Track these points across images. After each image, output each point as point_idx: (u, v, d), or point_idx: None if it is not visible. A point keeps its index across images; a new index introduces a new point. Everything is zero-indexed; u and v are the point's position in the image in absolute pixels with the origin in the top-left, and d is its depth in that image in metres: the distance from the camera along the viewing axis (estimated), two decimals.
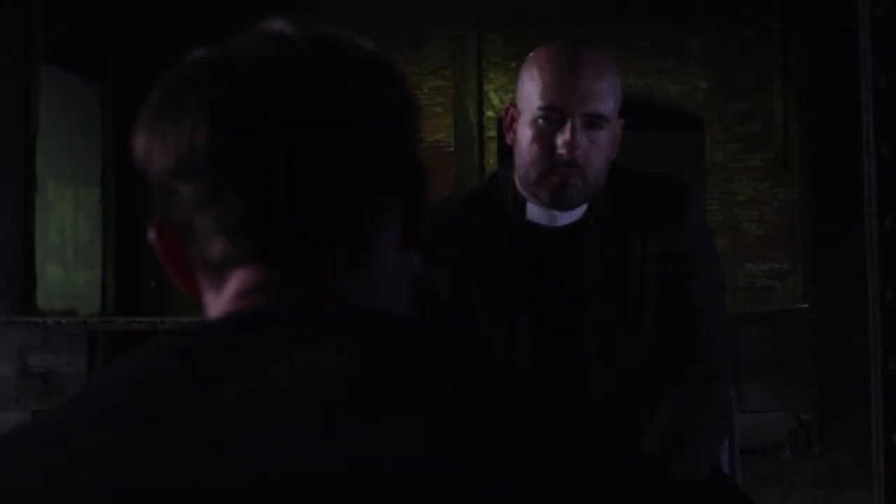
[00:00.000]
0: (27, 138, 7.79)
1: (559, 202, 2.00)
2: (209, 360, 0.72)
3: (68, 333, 6.91)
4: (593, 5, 12.25)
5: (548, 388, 0.74)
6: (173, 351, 0.74)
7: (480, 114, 12.57)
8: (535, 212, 2.04)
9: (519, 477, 0.66)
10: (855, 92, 3.13)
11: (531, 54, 2.04)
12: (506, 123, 2.06)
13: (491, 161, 12.42)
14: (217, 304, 0.83)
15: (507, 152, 2.17)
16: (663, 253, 2.02)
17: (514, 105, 2.04)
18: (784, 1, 11.36)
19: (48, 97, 9.86)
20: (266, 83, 0.81)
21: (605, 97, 1.96)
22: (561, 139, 1.95)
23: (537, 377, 2.01)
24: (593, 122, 1.95)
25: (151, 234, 0.85)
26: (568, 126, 1.94)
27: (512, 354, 2.02)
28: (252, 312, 0.77)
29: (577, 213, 2.03)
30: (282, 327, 0.74)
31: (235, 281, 0.81)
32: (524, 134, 1.99)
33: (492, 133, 12.48)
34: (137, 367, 0.74)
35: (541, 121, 1.97)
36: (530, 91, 1.98)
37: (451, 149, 12.36)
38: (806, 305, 6.54)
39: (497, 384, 0.72)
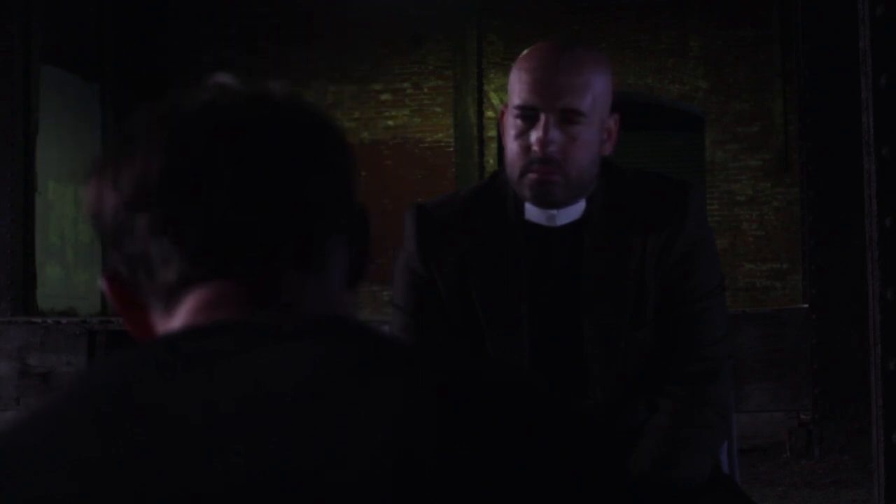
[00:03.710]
0: (27, 138, 7.78)
1: (540, 199, 2.00)
2: (181, 368, 0.74)
3: (68, 333, 6.90)
4: (593, 5, 12.25)
5: (524, 388, 0.75)
6: (145, 360, 0.76)
7: (480, 114, 12.57)
8: (534, 212, 2.04)
9: (478, 477, 0.67)
10: (855, 92, 3.13)
11: (521, 54, 2.05)
12: (500, 124, 2.07)
13: (491, 161, 12.42)
14: (171, 325, 0.84)
15: None
16: (663, 253, 2.02)
17: (506, 106, 2.06)
18: (784, 1, 11.36)
19: (48, 97, 9.86)
20: (214, 119, 0.85)
21: (581, 92, 1.95)
22: (534, 136, 1.95)
23: (537, 377, 2.02)
24: (568, 117, 1.95)
25: (103, 283, 0.88)
26: (541, 123, 1.95)
27: (512, 354, 2.02)
28: (220, 323, 0.79)
29: (576, 213, 2.03)
30: (248, 336, 0.76)
31: (192, 298, 0.84)
32: (507, 133, 2.01)
33: (492, 133, 12.48)
34: (112, 378, 0.76)
35: (518, 119, 1.98)
36: (513, 90, 2.00)
37: (451, 149, 12.35)
38: (806, 305, 6.53)
39: (464, 384, 0.73)
